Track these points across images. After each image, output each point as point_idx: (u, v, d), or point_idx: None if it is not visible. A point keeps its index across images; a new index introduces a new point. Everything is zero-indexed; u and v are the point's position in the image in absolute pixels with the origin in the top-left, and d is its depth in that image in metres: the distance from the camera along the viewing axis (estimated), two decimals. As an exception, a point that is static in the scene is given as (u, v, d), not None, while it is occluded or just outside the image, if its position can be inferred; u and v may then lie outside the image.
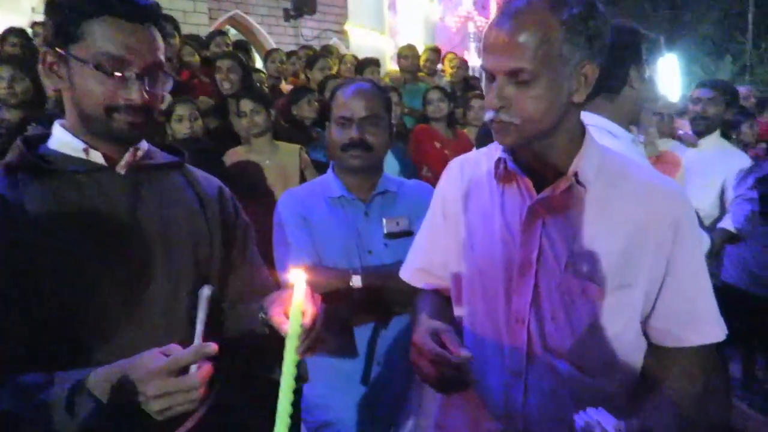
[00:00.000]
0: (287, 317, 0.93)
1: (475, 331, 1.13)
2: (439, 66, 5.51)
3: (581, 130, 1.05)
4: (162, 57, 1.05)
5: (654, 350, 1.07)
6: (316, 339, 0.95)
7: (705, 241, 1.45)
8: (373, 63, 4.58)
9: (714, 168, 2.71)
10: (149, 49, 1.01)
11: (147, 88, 1.00)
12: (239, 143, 2.82)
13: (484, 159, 1.16)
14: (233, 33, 9.33)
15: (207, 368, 0.86)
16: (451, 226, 1.18)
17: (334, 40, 9.41)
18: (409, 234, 1.55)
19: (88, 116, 1.00)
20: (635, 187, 1.02)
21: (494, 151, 1.12)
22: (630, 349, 1.06)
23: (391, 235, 1.58)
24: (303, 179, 2.71)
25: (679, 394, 1.02)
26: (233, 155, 2.66)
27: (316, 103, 3.35)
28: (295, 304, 0.90)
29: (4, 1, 8.28)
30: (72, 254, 0.96)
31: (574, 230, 1.01)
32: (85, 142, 1.02)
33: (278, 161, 2.69)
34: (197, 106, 2.73)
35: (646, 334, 1.07)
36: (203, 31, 6.53)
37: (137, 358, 0.86)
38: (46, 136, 1.06)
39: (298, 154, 2.78)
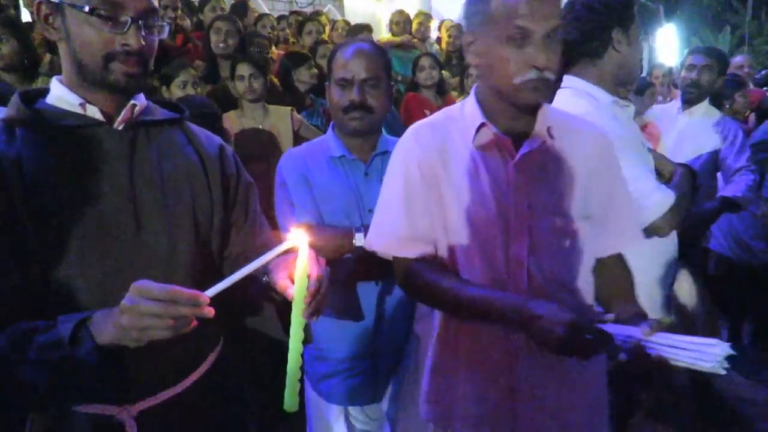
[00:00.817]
0: (292, 281, 0.93)
1: (475, 281, 1.19)
2: (436, 33, 5.43)
3: None
4: (156, 3, 1.04)
5: (604, 260, 1.30)
6: (321, 302, 0.95)
7: (668, 198, 1.47)
8: (365, 29, 4.50)
9: (704, 136, 2.71)
10: None
11: (143, 34, 0.99)
12: (231, 107, 2.78)
13: (450, 127, 1.24)
14: (226, -2, 9.16)
15: (202, 309, 0.84)
16: (432, 190, 1.22)
17: (328, 7, 9.23)
18: None
19: (85, 66, 0.99)
20: (583, 136, 1.23)
21: (461, 120, 1.23)
22: (591, 262, 1.26)
23: None
24: (297, 140, 2.70)
25: (631, 281, 1.32)
26: (225, 120, 2.64)
27: (315, 70, 3.31)
28: (300, 267, 0.89)
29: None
30: (68, 209, 0.97)
31: (552, 177, 1.18)
32: (82, 98, 1.02)
33: (271, 125, 2.68)
34: (197, 72, 2.69)
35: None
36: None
37: None
38: (45, 91, 1.05)
39: (290, 115, 2.76)
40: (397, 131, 3.13)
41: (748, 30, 16.01)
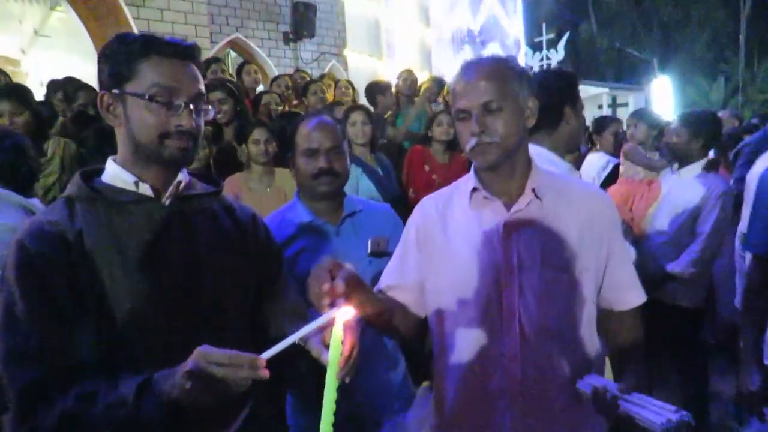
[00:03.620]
0: (325, 346, 0.99)
1: (469, 329, 1.31)
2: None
3: (529, 158, 1.35)
4: (203, 89, 1.17)
5: (606, 315, 1.39)
6: (354, 365, 1.01)
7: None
8: (385, 88, 4.67)
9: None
10: (192, 81, 1.14)
11: (193, 116, 1.12)
12: (237, 169, 2.87)
13: (454, 193, 1.41)
14: (233, 56, 9.50)
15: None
16: (427, 253, 1.38)
17: (333, 63, 9.58)
18: (388, 254, 1.61)
19: (141, 145, 1.11)
20: (576, 196, 1.34)
21: (463, 186, 1.39)
22: (591, 319, 1.34)
23: (375, 254, 1.69)
24: None
25: (633, 342, 1.40)
26: (232, 183, 2.71)
27: None
28: (335, 335, 0.94)
29: (3, 24, 8.45)
30: (122, 277, 1.06)
31: (541, 234, 1.28)
32: (136, 176, 1.13)
33: (277, 187, 2.77)
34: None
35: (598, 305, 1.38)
36: (205, 55, 6.66)
37: None
38: (101, 170, 1.17)
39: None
40: (389, 181, 3.20)
41: (741, 79, 16.38)
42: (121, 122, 1.12)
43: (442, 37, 8.85)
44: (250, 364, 0.90)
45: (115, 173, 1.15)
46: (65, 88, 3.62)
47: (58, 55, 8.65)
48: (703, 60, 17.68)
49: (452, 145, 3.65)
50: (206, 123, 3.57)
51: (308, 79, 5.15)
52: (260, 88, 5.28)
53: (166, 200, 1.15)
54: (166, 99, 1.09)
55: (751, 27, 17.06)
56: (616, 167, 3.84)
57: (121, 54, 1.10)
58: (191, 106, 1.11)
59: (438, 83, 5.30)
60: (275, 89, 4.64)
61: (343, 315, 0.96)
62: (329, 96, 4.62)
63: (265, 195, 2.69)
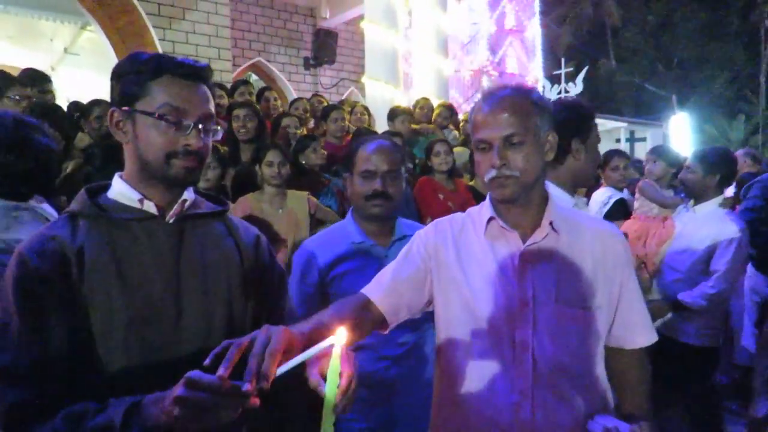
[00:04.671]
0: (322, 377, 0.95)
1: (480, 361, 1.28)
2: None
3: (546, 191, 1.34)
4: (213, 109, 1.17)
5: (615, 353, 1.37)
6: (351, 398, 0.97)
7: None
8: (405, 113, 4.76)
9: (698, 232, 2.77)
10: (202, 102, 1.14)
11: (201, 136, 1.12)
12: (253, 189, 2.90)
13: (467, 220, 1.39)
14: (254, 79, 9.70)
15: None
16: (437, 274, 1.35)
17: (352, 89, 9.73)
18: None
19: (148, 163, 1.11)
20: (589, 232, 1.33)
21: (477, 215, 1.37)
22: (601, 356, 1.33)
23: None
24: (313, 223, 2.81)
25: (643, 379, 1.39)
26: (244, 203, 2.73)
27: (322, 151, 3.47)
28: (333, 366, 0.92)
29: (35, 42, 8.74)
30: (118, 293, 1.05)
31: (556, 268, 1.27)
32: (141, 193, 1.13)
33: (289, 209, 2.78)
34: (215, 155, 2.84)
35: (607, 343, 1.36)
36: (226, 77, 6.81)
37: None
38: (107, 186, 1.17)
39: (306, 200, 2.87)
40: (410, 210, 3.23)
41: (762, 119, 16.27)
42: (129, 139, 1.12)
43: (461, 68, 8.98)
44: (240, 392, 0.86)
45: (120, 190, 1.15)
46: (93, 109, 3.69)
47: (85, 73, 8.92)
48: (723, 98, 17.62)
49: (451, 173, 3.69)
50: (223, 144, 3.65)
51: (326, 103, 5.22)
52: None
53: (170, 219, 1.15)
54: (176, 119, 1.10)
55: (772, 67, 17.05)
56: (618, 202, 3.81)
57: (134, 73, 1.11)
58: (200, 127, 1.12)
59: (449, 109, 5.36)
60: (293, 112, 4.71)
61: (340, 342, 0.93)
62: (347, 122, 4.67)
63: (277, 216, 2.70)
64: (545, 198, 1.33)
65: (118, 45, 7.05)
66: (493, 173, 1.25)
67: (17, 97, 2.87)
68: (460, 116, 5.79)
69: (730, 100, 17.58)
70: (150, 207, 1.14)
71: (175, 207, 1.15)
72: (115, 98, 1.14)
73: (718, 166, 2.76)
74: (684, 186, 2.92)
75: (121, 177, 1.17)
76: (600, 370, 1.32)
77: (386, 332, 1.34)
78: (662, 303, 2.74)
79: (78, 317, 1.02)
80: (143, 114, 1.10)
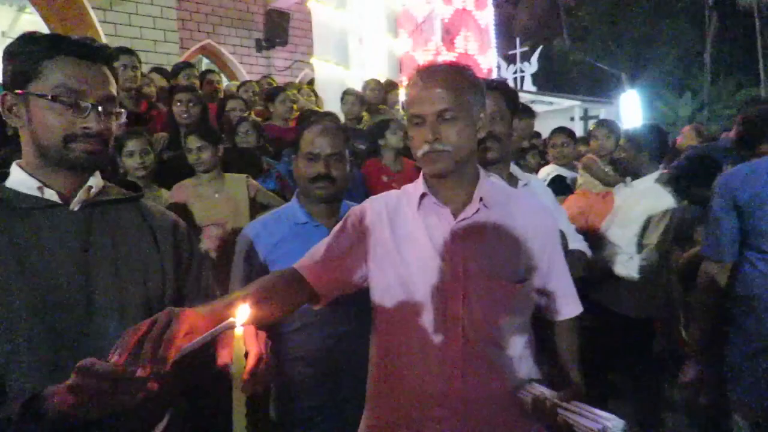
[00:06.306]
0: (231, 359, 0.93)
1: (414, 334, 1.30)
2: (402, 99, 5.64)
3: (477, 167, 1.37)
4: (114, 91, 1.13)
5: (545, 324, 1.44)
6: (262, 377, 0.94)
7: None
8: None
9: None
10: (102, 83, 1.10)
11: (102, 118, 1.08)
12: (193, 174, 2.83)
13: (402, 197, 1.40)
14: (205, 62, 9.44)
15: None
16: (373, 249, 1.35)
17: (306, 72, 9.57)
18: None
19: (45, 148, 1.06)
20: (518, 208, 1.36)
21: (411, 191, 1.38)
22: (529, 328, 1.37)
23: None
24: (254, 206, 2.77)
25: (572, 348, 1.45)
26: (181, 189, 2.66)
27: (254, 133, 3.43)
28: (236, 347, 0.89)
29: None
30: (17, 287, 1.00)
31: (485, 243, 1.30)
32: (40, 181, 1.09)
33: (227, 192, 2.72)
34: (149, 139, 2.74)
35: (539, 314, 1.43)
36: (174, 60, 6.59)
37: None
38: (5, 175, 1.12)
39: (245, 183, 2.82)
40: (359, 192, 3.21)
41: (707, 96, 16.86)
42: (24, 123, 1.08)
43: (416, 48, 8.93)
44: (136, 376, 0.85)
45: (19, 179, 1.10)
46: None
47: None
48: (672, 76, 18.14)
49: (400, 152, 3.62)
50: (163, 129, 3.53)
51: (275, 85, 5.13)
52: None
53: (75, 206, 1.11)
54: (72, 100, 1.05)
55: (716, 46, 17.63)
56: (554, 179, 3.89)
57: (26, 53, 1.06)
58: (99, 109, 1.08)
59: (392, 85, 5.34)
60: (243, 94, 4.61)
61: (241, 321, 0.91)
62: (295, 107, 4.60)
63: (215, 201, 2.65)
64: (476, 174, 1.34)
65: (56, 27, 6.74)
66: (426, 148, 1.25)
67: None
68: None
69: (679, 78, 18.11)
70: (51, 195, 1.09)
71: (80, 194, 1.11)
72: (7, 81, 1.09)
73: (645, 143, 2.84)
74: (618, 164, 3.00)
75: (19, 164, 1.12)
76: (528, 341, 1.36)
77: (319, 307, 1.33)
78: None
79: None
80: (37, 96, 1.05)
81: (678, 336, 3.18)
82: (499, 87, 1.89)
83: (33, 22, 7.53)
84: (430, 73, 1.28)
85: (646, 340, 2.94)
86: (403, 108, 5.44)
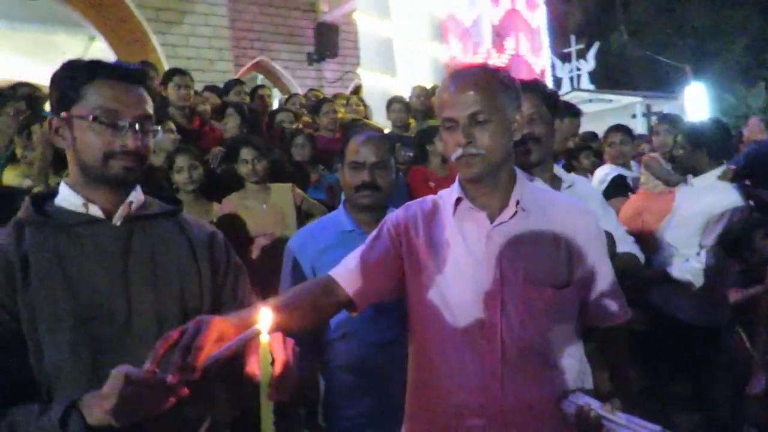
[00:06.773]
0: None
1: (452, 343, 1.27)
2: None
3: (514, 170, 1.33)
4: (150, 110, 1.20)
5: (590, 332, 1.37)
6: (289, 384, 0.96)
7: None
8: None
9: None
10: (137, 103, 1.17)
11: (138, 136, 1.15)
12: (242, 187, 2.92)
13: (439, 202, 1.38)
14: (260, 78, 9.75)
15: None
16: (409, 256, 1.33)
17: (356, 82, 9.71)
18: None
19: (87, 166, 1.14)
20: (559, 210, 1.32)
21: (447, 196, 1.36)
22: (574, 336, 1.31)
23: None
24: (300, 214, 2.83)
25: (619, 357, 1.42)
26: (228, 203, 2.75)
27: (308, 145, 3.52)
28: (262, 355, 0.90)
29: (48, 55, 8.91)
30: (62, 298, 1.07)
31: (524, 248, 1.26)
32: (85, 198, 1.16)
33: (273, 203, 2.79)
34: (197, 155, 2.85)
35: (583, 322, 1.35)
36: (228, 77, 6.82)
37: None
38: (55, 192, 1.20)
39: (291, 191, 2.88)
40: (404, 199, 3.19)
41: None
42: (69, 144, 1.16)
43: (466, 52, 8.86)
44: (165, 384, 0.89)
45: (65, 196, 1.17)
46: None
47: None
48: (741, 66, 17.09)
49: (445, 158, 3.59)
50: (219, 143, 3.67)
51: (321, 97, 5.23)
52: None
53: (117, 221, 1.17)
54: (110, 120, 1.12)
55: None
56: (615, 179, 3.70)
57: (68, 79, 1.14)
58: (136, 127, 1.15)
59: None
60: (290, 107, 4.74)
61: (264, 327, 0.91)
62: (341, 114, 4.67)
63: (262, 212, 2.73)
64: (513, 177, 1.31)
65: (120, 52, 7.19)
66: (459, 152, 1.23)
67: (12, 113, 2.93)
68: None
69: (748, 68, 17.03)
70: (95, 210, 1.16)
71: (121, 209, 1.18)
72: (53, 106, 1.18)
73: (704, 139, 2.69)
74: (676, 162, 2.85)
75: (66, 183, 1.20)
76: (573, 349, 1.30)
77: (355, 314, 1.33)
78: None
79: (19, 322, 1.04)
80: (79, 118, 1.13)
81: (741, 346, 2.99)
82: (535, 87, 1.85)
83: (101, 48, 8.03)
84: (461, 76, 1.27)
85: (711, 350, 2.77)
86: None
